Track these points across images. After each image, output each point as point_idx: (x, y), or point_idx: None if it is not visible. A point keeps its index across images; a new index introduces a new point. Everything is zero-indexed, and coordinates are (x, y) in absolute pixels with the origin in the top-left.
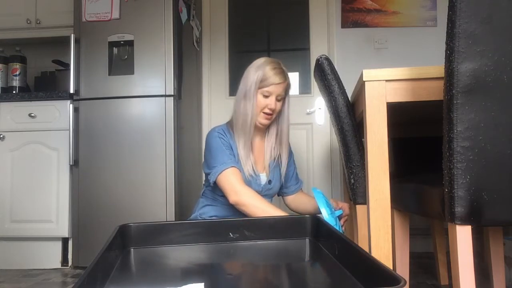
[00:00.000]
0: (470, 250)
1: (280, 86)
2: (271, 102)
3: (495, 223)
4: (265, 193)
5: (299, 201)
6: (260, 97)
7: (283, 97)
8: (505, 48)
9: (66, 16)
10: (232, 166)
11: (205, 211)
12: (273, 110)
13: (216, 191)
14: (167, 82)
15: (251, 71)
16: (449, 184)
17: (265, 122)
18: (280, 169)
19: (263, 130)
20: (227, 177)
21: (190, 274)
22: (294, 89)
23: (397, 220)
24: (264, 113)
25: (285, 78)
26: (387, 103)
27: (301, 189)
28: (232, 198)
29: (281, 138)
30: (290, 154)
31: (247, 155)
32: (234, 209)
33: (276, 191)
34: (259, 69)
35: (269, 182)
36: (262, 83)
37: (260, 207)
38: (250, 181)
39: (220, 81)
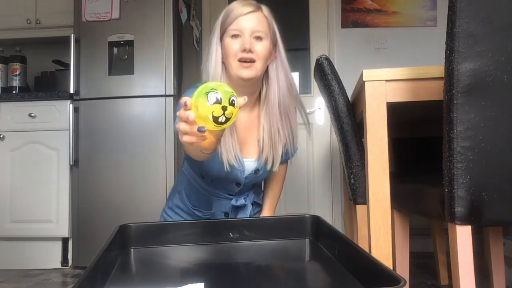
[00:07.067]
0: (470, 250)
1: (251, 17)
2: (245, 40)
3: (495, 223)
4: (247, 182)
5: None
6: (228, 41)
7: (263, 35)
8: (505, 48)
9: (66, 16)
10: None
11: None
12: (251, 51)
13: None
14: (167, 82)
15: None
16: (449, 184)
17: (247, 72)
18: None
19: (252, 95)
20: None
21: (190, 274)
22: None
23: (397, 220)
24: (240, 61)
25: (257, 7)
26: (387, 103)
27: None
28: None
29: (280, 103)
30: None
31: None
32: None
33: (261, 180)
34: (221, 14)
35: (256, 171)
36: (226, 23)
37: None
38: (228, 171)
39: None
